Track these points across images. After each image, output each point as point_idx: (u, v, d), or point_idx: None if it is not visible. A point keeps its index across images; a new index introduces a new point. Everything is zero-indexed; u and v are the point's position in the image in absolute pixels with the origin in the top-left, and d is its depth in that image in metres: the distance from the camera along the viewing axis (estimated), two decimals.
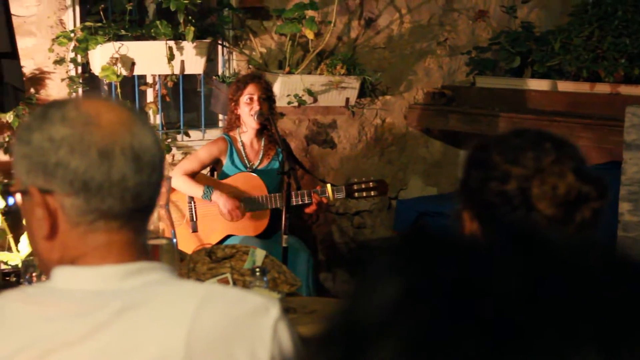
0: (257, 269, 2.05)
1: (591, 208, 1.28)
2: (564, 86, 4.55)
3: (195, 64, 4.29)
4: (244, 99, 3.88)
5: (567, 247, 0.45)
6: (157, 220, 2.36)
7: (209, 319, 1.06)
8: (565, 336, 0.39)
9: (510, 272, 0.42)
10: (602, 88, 4.36)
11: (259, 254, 2.27)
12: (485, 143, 1.37)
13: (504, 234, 0.48)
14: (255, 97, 3.86)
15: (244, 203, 3.89)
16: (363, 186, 3.97)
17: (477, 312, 0.41)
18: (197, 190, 3.84)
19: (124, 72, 4.10)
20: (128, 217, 1.11)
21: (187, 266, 2.18)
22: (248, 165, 3.98)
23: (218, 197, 3.82)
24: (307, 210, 3.87)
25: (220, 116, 4.68)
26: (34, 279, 2.21)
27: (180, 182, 3.86)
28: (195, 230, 3.91)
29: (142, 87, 4.46)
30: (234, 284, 2.11)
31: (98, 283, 1.11)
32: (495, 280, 0.42)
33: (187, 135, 4.60)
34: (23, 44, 4.07)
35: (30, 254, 2.65)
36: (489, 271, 0.42)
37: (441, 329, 0.41)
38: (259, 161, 4.00)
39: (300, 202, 3.83)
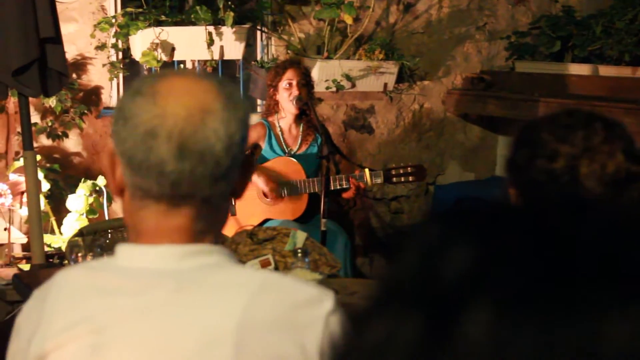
0: (299, 250, 2.07)
1: (639, 189, 1.28)
2: (606, 71, 4.49)
3: (234, 50, 4.31)
4: (283, 84, 3.89)
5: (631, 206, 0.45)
6: None
7: (262, 308, 1.06)
8: None
9: (591, 227, 0.42)
10: None
11: (300, 236, 2.29)
12: (535, 122, 1.37)
13: (564, 200, 0.47)
14: (294, 83, 3.87)
15: (282, 187, 3.91)
16: (401, 171, 3.97)
17: (571, 268, 0.40)
18: None
19: (164, 58, 4.14)
20: (173, 203, 1.11)
21: (229, 248, 2.20)
22: (286, 151, 4.00)
23: (257, 177, 3.85)
24: (345, 195, 3.87)
25: (259, 101, 4.70)
26: (79, 259, 2.25)
27: None
28: (233, 213, 3.95)
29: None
30: (276, 265, 2.13)
31: (155, 262, 1.12)
32: (583, 235, 0.42)
33: None
34: (65, 29, 4.11)
35: (75, 235, 2.70)
36: (568, 228, 0.42)
37: (535, 287, 0.40)
38: (297, 146, 4.02)
39: (338, 187, 3.84)
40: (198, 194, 1.10)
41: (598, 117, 1.34)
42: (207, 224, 1.13)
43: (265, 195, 3.93)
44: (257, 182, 3.85)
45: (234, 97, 1.12)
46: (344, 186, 3.86)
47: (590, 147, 1.28)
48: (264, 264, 2.10)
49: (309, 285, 1.14)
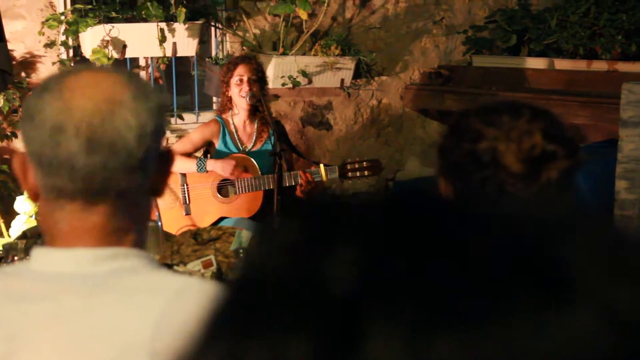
0: (241, 250, 2.02)
1: (558, 168, 1.28)
2: (561, 64, 4.50)
3: (187, 46, 4.25)
4: (234, 80, 3.83)
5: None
6: None
7: (179, 314, 1.01)
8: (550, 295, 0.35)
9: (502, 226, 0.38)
10: (599, 65, 4.31)
11: (245, 236, 2.24)
12: (465, 111, 1.37)
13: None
14: (245, 79, 3.81)
15: (236, 185, 3.86)
16: (357, 166, 3.93)
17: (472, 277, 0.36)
18: (190, 165, 3.82)
19: (115, 55, 4.07)
20: (88, 200, 1.07)
21: (171, 248, 2.15)
22: (241, 148, 3.94)
23: (214, 165, 3.79)
24: (297, 192, 3.82)
25: (214, 99, 4.64)
26: (16, 261, 2.18)
27: None
28: (188, 212, 3.89)
29: (135, 70, 4.42)
30: (218, 266, 2.09)
31: (69, 266, 1.07)
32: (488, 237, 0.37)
33: (181, 118, 4.57)
34: (13, 27, 4.03)
35: (18, 238, 2.62)
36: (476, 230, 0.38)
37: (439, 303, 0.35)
38: (252, 143, 3.96)
39: (293, 184, 3.79)
40: (113, 189, 1.07)
41: (527, 104, 1.34)
42: (125, 221, 1.09)
43: (218, 191, 3.87)
44: (215, 168, 3.79)
45: (144, 88, 1.10)
46: (299, 182, 3.81)
47: (512, 127, 1.29)
48: (206, 265, 2.05)
49: None
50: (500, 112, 1.31)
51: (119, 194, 1.07)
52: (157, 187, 1.14)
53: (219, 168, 3.78)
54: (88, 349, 1.02)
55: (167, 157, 1.14)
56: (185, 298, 1.04)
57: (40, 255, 1.10)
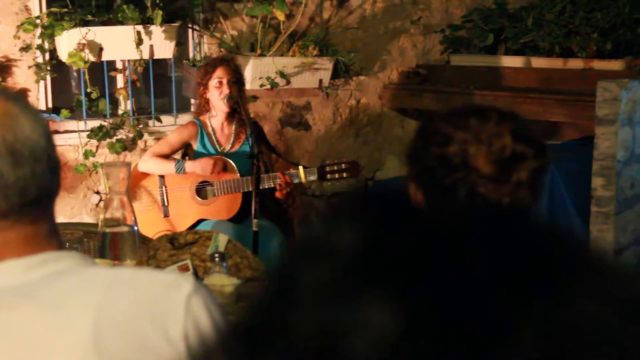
0: (216, 255, 2.02)
1: (528, 168, 1.30)
2: (538, 62, 4.53)
3: (164, 49, 4.23)
4: (213, 82, 3.83)
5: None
6: (120, 208, 2.32)
7: (115, 305, 1.03)
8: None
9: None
10: (576, 63, 4.34)
11: (222, 239, 2.24)
12: (433, 114, 1.38)
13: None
14: (225, 81, 3.81)
15: (215, 187, 3.86)
16: (335, 168, 3.94)
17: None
18: (169, 167, 3.82)
19: (92, 58, 4.05)
20: (20, 213, 1.07)
21: (147, 253, 2.14)
22: (219, 150, 3.94)
23: (193, 166, 3.79)
24: (276, 194, 3.82)
25: (192, 101, 4.63)
26: None
27: (150, 164, 3.83)
28: (167, 215, 3.88)
29: (112, 73, 4.40)
30: (195, 270, 2.08)
31: (0, 279, 1.07)
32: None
33: (159, 120, 4.55)
34: None
35: None
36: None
37: None
38: (230, 145, 3.96)
39: (272, 186, 3.79)
40: (43, 194, 1.09)
41: (494, 107, 1.35)
42: (49, 224, 1.12)
43: (197, 193, 3.86)
44: (195, 169, 3.79)
45: (18, 97, 1.13)
46: (279, 184, 3.81)
47: (481, 130, 1.30)
48: (182, 270, 2.05)
49: (164, 273, 1.12)
50: (468, 115, 1.32)
51: (46, 198, 1.10)
52: (60, 186, 1.17)
53: (199, 168, 3.78)
54: (38, 357, 1.02)
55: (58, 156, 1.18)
56: (119, 287, 1.05)
57: None
